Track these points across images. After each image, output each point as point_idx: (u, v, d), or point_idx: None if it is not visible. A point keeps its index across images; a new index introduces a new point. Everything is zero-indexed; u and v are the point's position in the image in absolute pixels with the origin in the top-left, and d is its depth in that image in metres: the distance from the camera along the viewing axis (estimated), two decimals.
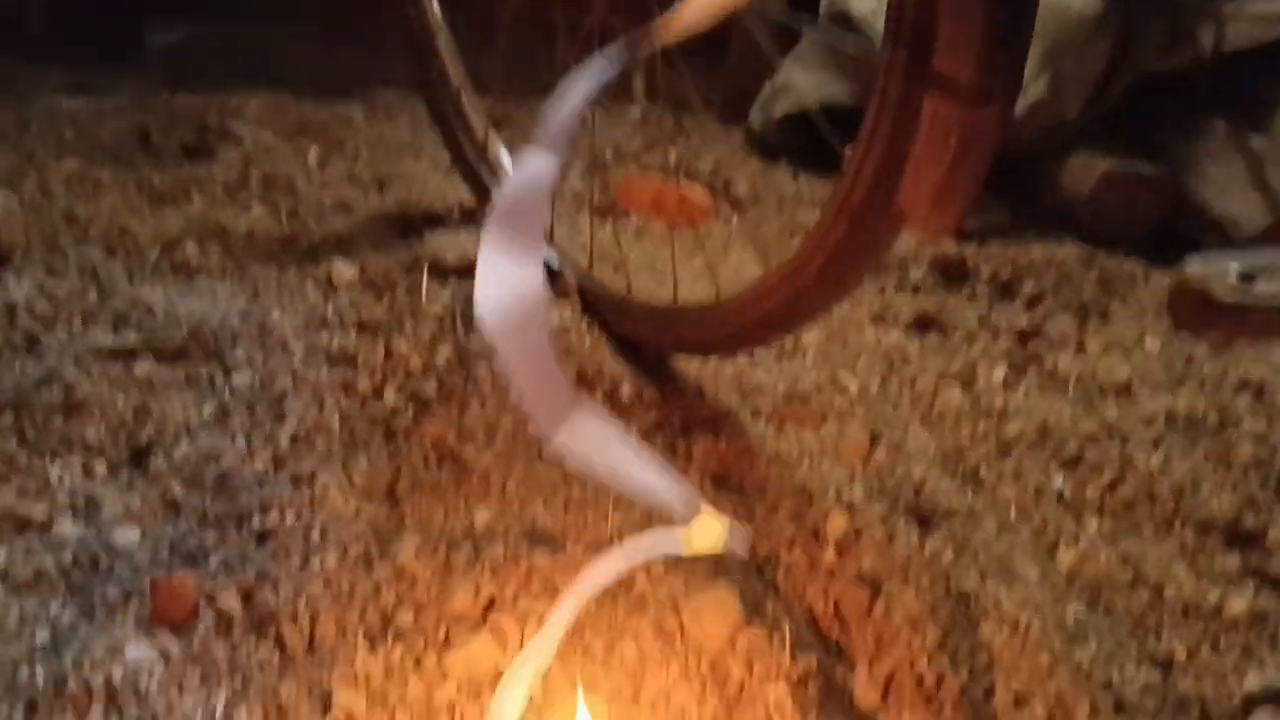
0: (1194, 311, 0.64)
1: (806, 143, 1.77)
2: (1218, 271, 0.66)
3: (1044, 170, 1.65)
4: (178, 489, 0.98)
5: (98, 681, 0.79)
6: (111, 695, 0.79)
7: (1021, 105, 1.56)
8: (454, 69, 1.43)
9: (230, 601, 0.86)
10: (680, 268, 1.25)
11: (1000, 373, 1.27)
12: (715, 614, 0.89)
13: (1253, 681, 0.87)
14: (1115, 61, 1.65)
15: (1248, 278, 0.70)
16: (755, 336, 1.10)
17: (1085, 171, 1.60)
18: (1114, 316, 1.42)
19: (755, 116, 1.85)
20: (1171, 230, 1.60)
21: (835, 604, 0.94)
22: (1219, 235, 1.53)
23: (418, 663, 0.84)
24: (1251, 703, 0.85)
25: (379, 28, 2.05)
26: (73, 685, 0.79)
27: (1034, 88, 1.60)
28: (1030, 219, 1.64)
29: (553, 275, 1.28)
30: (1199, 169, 1.59)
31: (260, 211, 1.48)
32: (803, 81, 1.77)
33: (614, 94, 1.51)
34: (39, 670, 0.80)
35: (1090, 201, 1.58)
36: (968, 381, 1.26)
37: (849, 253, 0.93)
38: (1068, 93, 1.62)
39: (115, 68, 1.92)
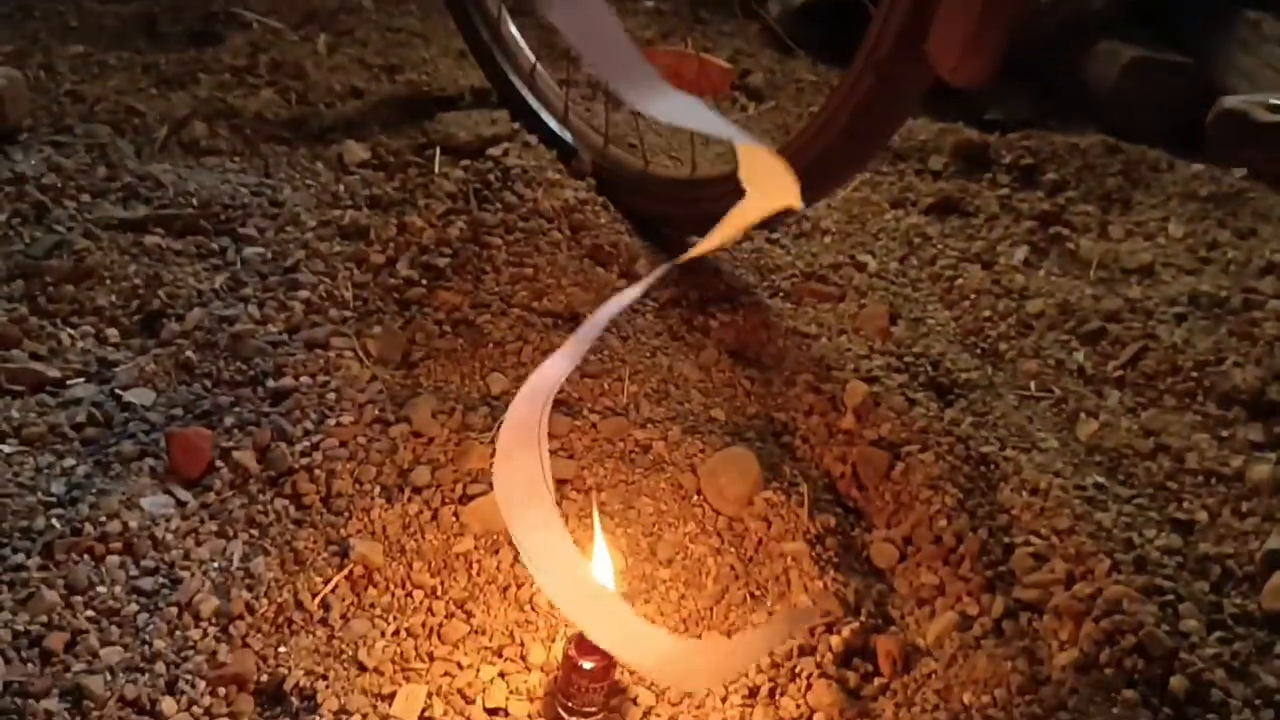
0: (1233, 134, 0.62)
1: (826, 33, 1.72)
2: (1256, 100, 0.64)
3: (1069, 59, 1.61)
4: (191, 353, 0.97)
5: (114, 529, 0.79)
6: (128, 543, 0.79)
7: None
8: None
9: (246, 457, 0.86)
10: (698, 142, 1.23)
11: (1021, 253, 1.25)
12: (733, 474, 0.88)
13: (1274, 542, 0.86)
14: None
15: None
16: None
17: (1111, 60, 1.56)
18: (1137, 204, 1.39)
19: (774, 4, 1.81)
20: (1198, 121, 1.56)
21: (853, 467, 0.93)
22: (1245, 121, 1.50)
23: (434, 516, 0.84)
24: (1272, 562, 0.85)
25: None
26: (89, 532, 0.79)
27: None
28: (1053, 109, 1.60)
29: (569, 155, 1.26)
30: (1228, 58, 1.55)
31: (269, 95, 1.46)
32: None
33: None
34: (54, 519, 0.80)
35: (1115, 90, 1.55)
36: (988, 262, 1.24)
37: (877, 106, 0.91)
38: None
39: None
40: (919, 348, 1.08)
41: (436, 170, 1.25)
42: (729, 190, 1.09)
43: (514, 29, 1.38)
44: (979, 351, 1.11)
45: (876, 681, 0.76)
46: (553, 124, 1.31)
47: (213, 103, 1.41)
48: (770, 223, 0.75)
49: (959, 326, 1.14)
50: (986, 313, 1.15)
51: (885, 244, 1.27)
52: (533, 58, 1.37)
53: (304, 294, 1.04)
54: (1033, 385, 1.06)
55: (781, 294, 1.16)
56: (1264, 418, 1.01)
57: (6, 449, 0.85)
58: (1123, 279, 1.22)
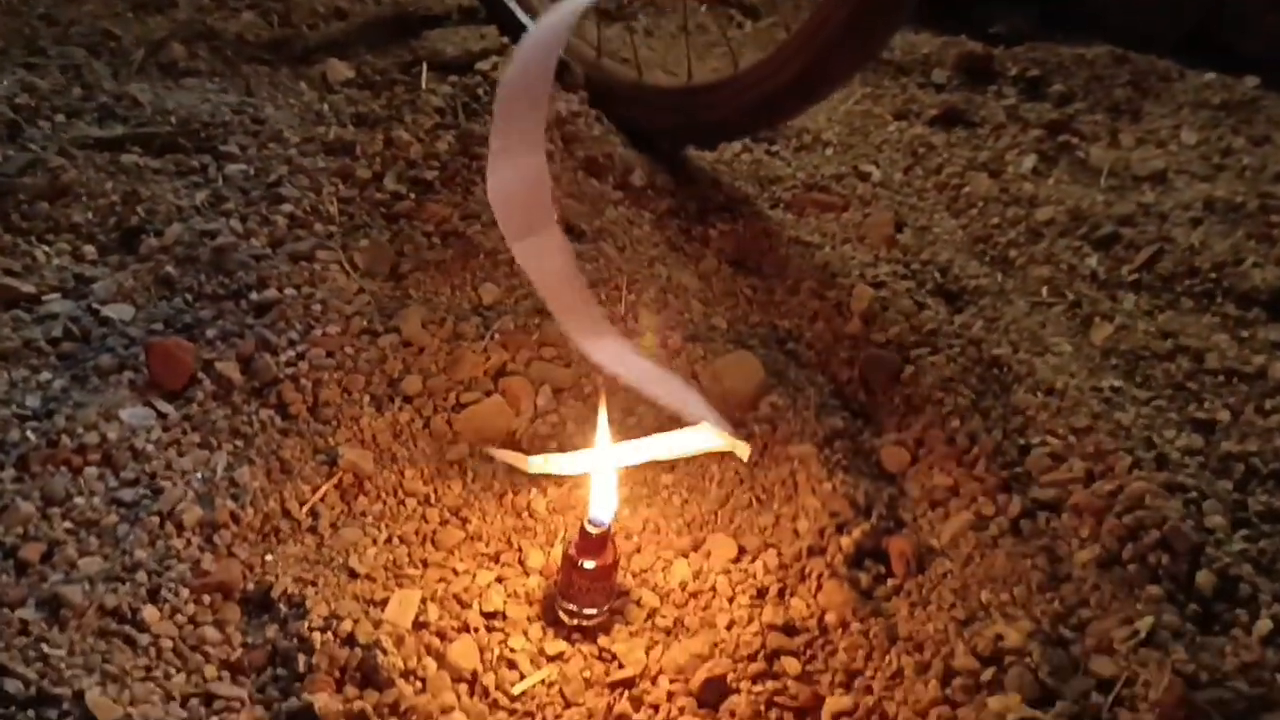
0: None
1: None
2: None
3: None
4: (171, 268, 0.93)
5: (91, 441, 0.76)
6: (106, 455, 0.76)
7: None
8: None
9: (229, 368, 0.83)
10: (694, 53, 1.18)
11: (1030, 162, 1.21)
12: (737, 376, 0.85)
13: None
14: None
15: None
16: (776, 110, 1.04)
17: None
18: (1147, 114, 1.35)
19: None
20: (1209, 33, 1.51)
21: (860, 372, 0.90)
22: (1261, 41, 1.45)
23: (427, 424, 0.81)
24: None
25: None
26: (66, 444, 0.75)
27: None
28: (1058, 22, 1.55)
29: (561, 68, 1.21)
30: None
31: (250, 17, 1.41)
32: None
33: None
34: (29, 431, 0.76)
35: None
36: (996, 171, 1.19)
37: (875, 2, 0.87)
38: None
39: None
40: (926, 255, 1.05)
41: (424, 86, 1.21)
42: (724, 97, 1.06)
43: None
44: (988, 259, 1.07)
45: (890, 582, 0.73)
46: None
47: (192, 25, 1.36)
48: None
49: (967, 234, 1.10)
50: (995, 220, 1.11)
51: (889, 155, 1.22)
52: None
53: (288, 208, 1.00)
54: (1044, 291, 1.02)
55: (782, 205, 1.12)
56: None
57: None
58: (1134, 186, 1.18)
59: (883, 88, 1.37)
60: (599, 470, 0.69)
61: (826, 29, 0.94)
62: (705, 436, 0.71)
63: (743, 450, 0.72)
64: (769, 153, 1.19)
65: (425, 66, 1.25)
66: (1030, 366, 0.90)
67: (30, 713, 0.59)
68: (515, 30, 1.30)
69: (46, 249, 0.95)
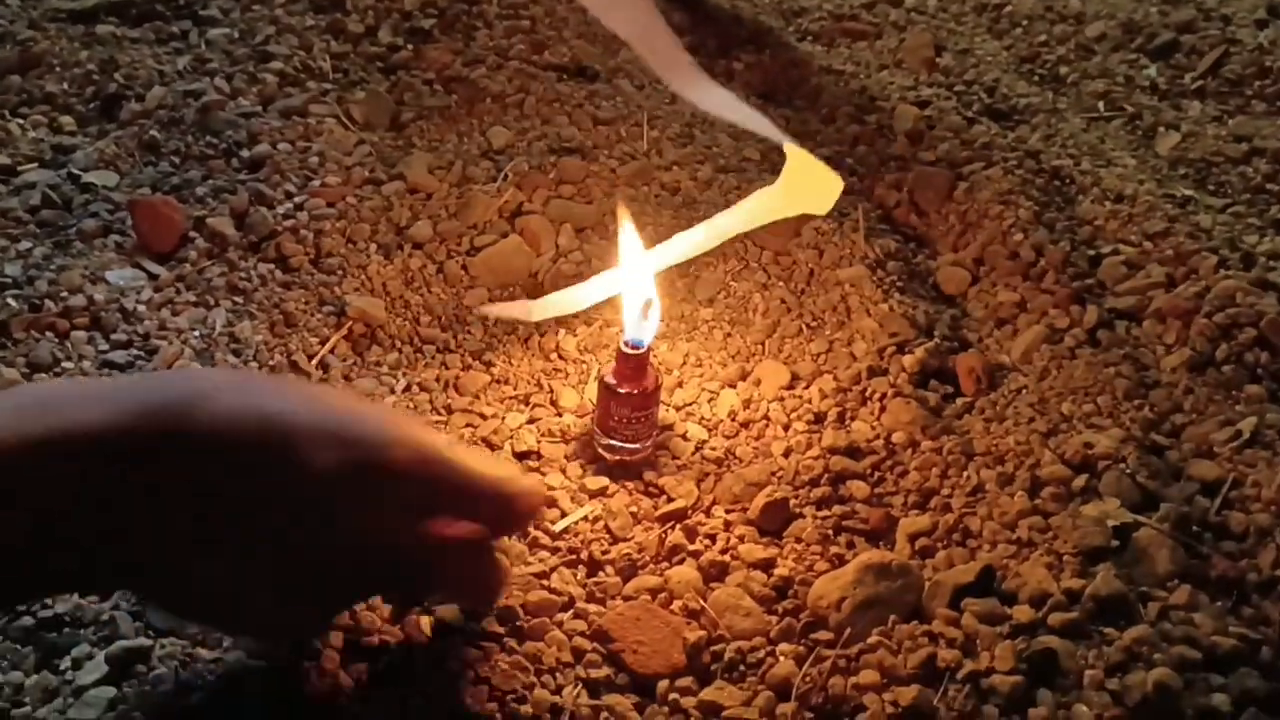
0: None
1: None
2: None
3: None
4: (155, 131, 0.86)
5: (77, 304, 0.70)
6: (94, 318, 0.70)
7: None
8: None
9: (222, 224, 0.76)
10: None
11: None
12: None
13: None
14: None
15: None
16: None
17: None
18: None
19: None
20: None
21: (910, 194, 0.82)
22: None
23: (440, 270, 0.74)
24: None
25: None
26: (50, 308, 0.69)
27: None
28: None
29: None
30: None
31: None
32: None
33: None
34: (10, 298, 0.70)
35: None
36: None
37: None
38: None
39: None
40: (970, 75, 0.97)
41: None
42: None
43: None
44: (1037, 78, 0.99)
45: (959, 400, 0.66)
46: None
47: None
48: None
49: (1012, 55, 1.01)
50: (1041, 38, 1.03)
51: None
52: None
53: (277, 66, 0.92)
54: (1101, 106, 0.94)
55: (810, 36, 1.04)
56: None
57: None
58: None
59: None
60: (631, 281, 0.62)
61: None
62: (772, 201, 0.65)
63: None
64: None
65: None
66: (1095, 176, 0.82)
67: None
68: None
69: (20, 122, 0.88)
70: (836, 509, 0.58)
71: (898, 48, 1.00)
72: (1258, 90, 0.93)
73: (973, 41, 1.03)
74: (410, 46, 0.96)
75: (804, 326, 0.71)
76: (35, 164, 0.84)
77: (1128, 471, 0.58)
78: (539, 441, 0.63)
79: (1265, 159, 0.85)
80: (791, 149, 0.68)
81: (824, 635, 0.51)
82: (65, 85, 0.92)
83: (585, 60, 0.95)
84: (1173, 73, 0.97)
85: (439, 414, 0.65)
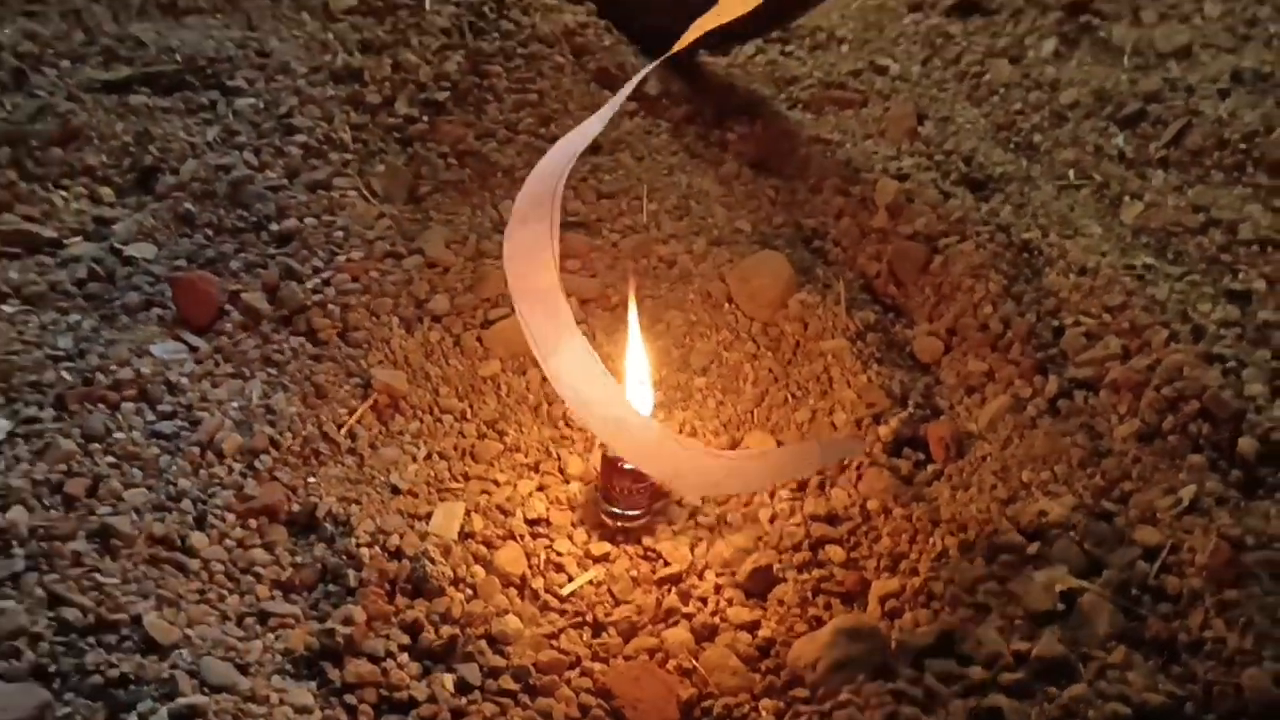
0: None
1: None
2: None
3: None
4: (189, 204, 0.93)
5: (126, 377, 0.76)
6: (142, 390, 0.76)
7: None
8: None
9: (256, 298, 0.83)
10: None
11: (1050, 45, 1.18)
12: (764, 277, 0.84)
13: None
14: None
15: None
16: (785, 12, 1.02)
17: None
18: None
19: None
20: None
21: (889, 265, 0.89)
22: None
23: (457, 342, 0.81)
24: None
25: None
26: (101, 381, 0.76)
27: None
28: None
29: None
30: None
31: None
32: None
33: None
34: (64, 371, 0.77)
35: None
36: (1016, 57, 1.17)
37: None
38: None
39: None
40: (949, 145, 1.03)
41: (428, 8, 1.19)
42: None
43: None
44: (1012, 145, 1.06)
45: (929, 468, 0.73)
46: None
47: None
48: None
49: (989, 122, 1.08)
50: (1017, 106, 1.10)
51: (906, 47, 1.20)
52: None
53: (301, 138, 0.99)
54: (1071, 174, 1.01)
55: (800, 105, 1.11)
56: None
57: (9, 309, 0.82)
58: (1159, 63, 1.16)
59: None
60: (633, 370, 0.69)
61: None
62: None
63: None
64: (784, 53, 1.17)
65: None
66: (1061, 249, 0.89)
67: (90, 639, 0.60)
68: None
69: (63, 194, 0.95)
70: (816, 572, 0.65)
71: (882, 117, 1.07)
72: (1216, 161, 0.99)
73: (953, 109, 1.09)
74: (425, 119, 1.02)
75: (789, 396, 0.78)
76: (79, 237, 0.91)
77: (1076, 539, 0.65)
78: (548, 509, 0.69)
79: (1220, 229, 0.92)
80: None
81: (801, 692, 0.58)
82: (104, 157, 0.99)
83: None
84: (1139, 142, 1.03)
85: (457, 480, 0.72)
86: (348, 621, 0.61)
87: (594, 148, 1.01)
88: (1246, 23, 1.22)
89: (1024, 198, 0.96)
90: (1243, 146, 0.99)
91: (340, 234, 0.88)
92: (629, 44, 1.13)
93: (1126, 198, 0.97)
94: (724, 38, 1.11)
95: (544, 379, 0.78)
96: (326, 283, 0.84)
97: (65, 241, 0.90)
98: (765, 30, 1.04)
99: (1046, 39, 1.20)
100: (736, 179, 1.00)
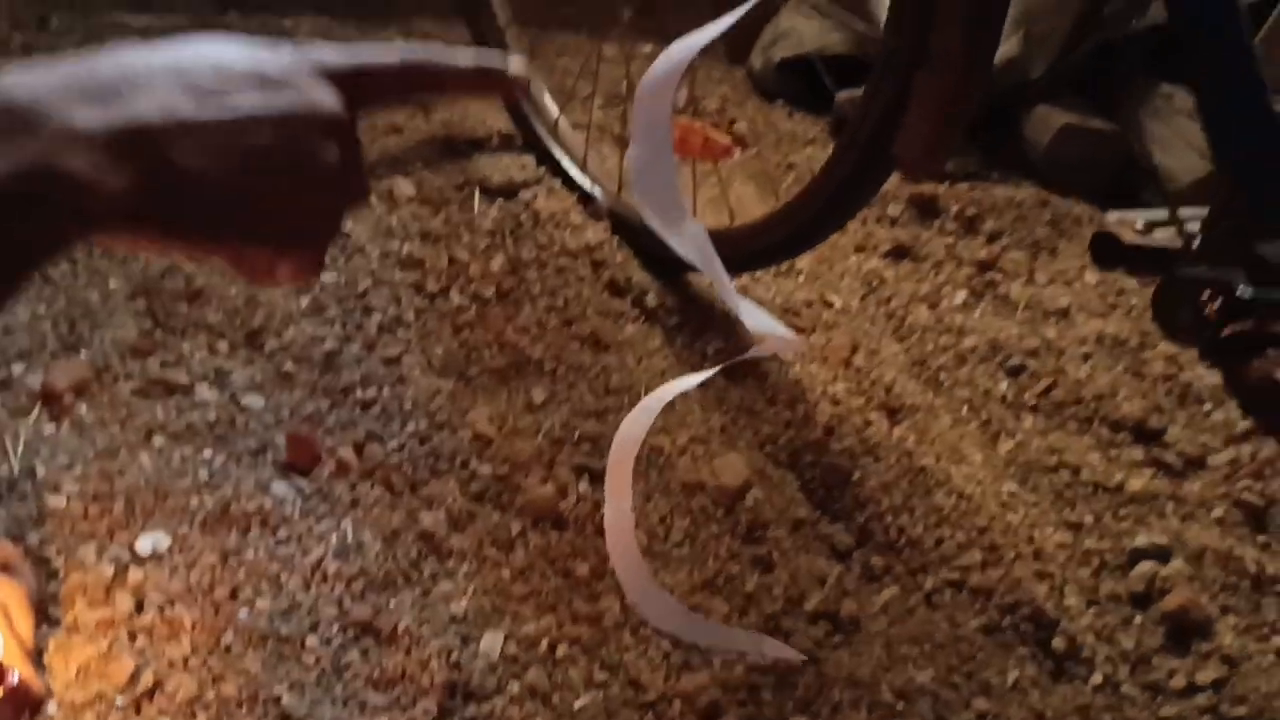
0: (1107, 252, 0.87)
1: (803, 85, 1.97)
2: (1128, 220, 0.89)
3: (1010, 120, 1.87)
4: (290, 365, 1.20)
5: (253, 508, 1.02)
6: (264, 519, 1.02)
7: (995, 61, 1.77)
8: (500, 11, 1.62)
9: (347, 454, 1.09)
10: (698, 196, 1.47)
11: (961, 296, 1.51)
12: (728, 473, 1.13)
13: (1140, 540, 1.12)
14: (1082, 26, 1.86)
15: (1151, 228, 0.93)
16: (765, 258, 1.33)
17: (1046, 124, 1.82)
18: (1062, 252, 1.65)
19: (756, 59, 2.05)
20: (1120, 179, 1.83)
21: (821, 474, 1.18)
22: (1159, 185, 1.76)
23: (497, 499, 1.08)
24: (1137, 556, 1.11)
25: None
26: (234, 510, 1.02)
27: (1006, 46, 1.81)
28: (996, 163, 1.85)
29: (588, 199, 1.50)
30: (1145, 126, 1.81)
31: None
32: (803, 28, 1.96)
33: (624, 31, 1.69)
34: (206, 499, 1.02)
35: (1049, 151, 1.80)
36: (933, 303, 1.49)
37: (848, 192, 1.16)
38: (1036, 53, 1.83)
39: None
40: (875, 375, 1.34)
41: (476, 209, 1.48)
42: (720, 244, 1.34)
43: (542, 87, 1.61)
44: (923, 380, 1.36)
45: (837, 638, 1.01)
46: (573, 171, 1.54)
47: None
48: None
49: (908, 358, 1.39)
50: (930, 347, 1.41)
51: (849, 284, 1.51)
52: (556, 111, 1.60)
53: (376, 317, 1.27)
54: (964, 410, 1.32)
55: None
56: (1145, 441, 1.27)
57: (157, 442, 1.08)
58: (1044, 320, 1.48)
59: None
60: None
61: (812, 204, 1.22)
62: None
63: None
64: (754, 278, 1.47)
65: (477, 190, 1.52)
66: (947, 474, 1.19)
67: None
68: (550, 161, 1.57)
69: (189, 344, 1.21)
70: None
71: (825, 345, 1.37)
72: (1072, 414, 1.31)
73: (880, 343, 1.40)
74: (474, 309, 1.31)
75: (741, 570, 1.06)
76: (205, 383, 1.17)
77: (933, 704, 0.93)
78: None
79: (1068, 471, 1.23)
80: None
81: None
82: (221, 316, 1.25)
83: (601, 334, 1.31)
84: (1018, 389, 1.35)
85: (497, 611, 0.98)
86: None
87: (604, 346, 1.30)
88: (1116, 291, 1.55)
89: (926, 426, 1.26)
90: (1093, 405, 1.31)
91: (409, 405, 1.16)
92: (635, 259, 1.43)
93: (1003, 435, 1.28)
94: (747, 261, 1.39)
95: (555, 538, 1.05)
96: (401, 447, 1.11)
97: (195, 386, 1.16)
98: (787, 255, 1.34)
99: (959, 290, 1.52)
100: (713, 384, 1.29)
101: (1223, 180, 0.79)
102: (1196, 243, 0.79)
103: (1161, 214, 0.97)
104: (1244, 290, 0.65)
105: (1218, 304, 0.67)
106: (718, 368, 0.99)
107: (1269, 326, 0.67)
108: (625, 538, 0.89)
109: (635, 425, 0.88)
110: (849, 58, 1.91)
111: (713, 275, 0.92)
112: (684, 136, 1.43)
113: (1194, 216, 0.87)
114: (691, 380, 0.91)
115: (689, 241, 0.89)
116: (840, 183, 1.15)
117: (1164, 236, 0.89)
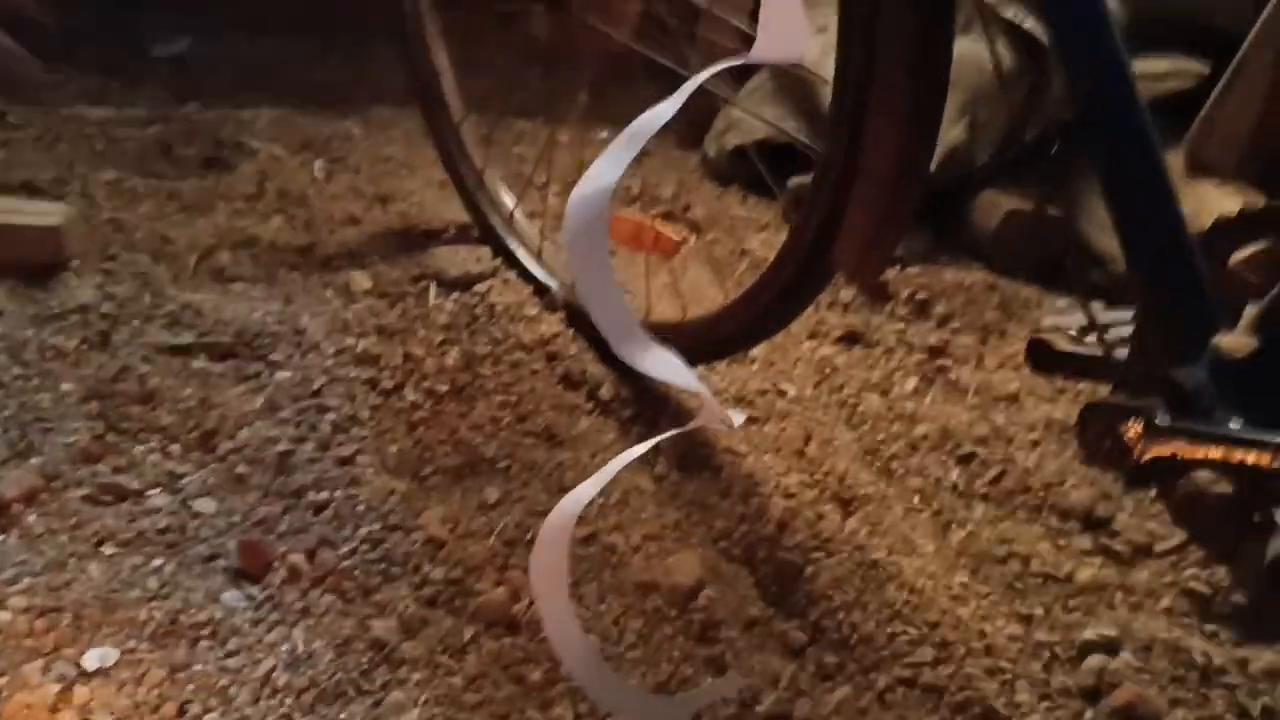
0: (1042, 357, 0.89)
1: (755, 171, 2.01)
2: (1063, 327, 0.91)
3: (958, 205, 1.91)
4: (243, 467, 1.20)
5: (203, 618, 1.02)
6: (214, 630, 1.01)
7: (940, 149, 1.81)
8: (455, 104, 1.65)
9: (298, 559, 1.09)
10: (651, 290, 1.49)
11: (912, 383, 1.53)
12: (681, 571, 1.14)
13: (1090, 633, 1.13)
14: (1025, 112, 1.92)
15: (1085, 332, 0.96)
16: (718, 350, 1.35)
17: (992, 209, 1.86)
18: (1010, 336, 1.68)
19: (709, 146, 2.09)
20: (1063, 262, 1.87)
21: (774, 571, 1.19)
22: (1102, 268, 1.80)
23: (449, 603, 1.08)
24: (1087, 649, 1.12)
25: (366, 40, 2.26)
26: (184, 621, 1.01)
27: (952, 133, 1.86)
28: (945, 247, 1.89)
29: (543, 291, 1.51)
30: (1087, 209, 1.86)
31: (279, 222, 1.69)
32: (753, 118, 2.01)
33: (576, 117, 1.72)
34: (155, 611, 1.02)
35: (996, 235, 1.84)
36: (885, 390, 1.51)
37: (791, 294, 1.18)
38: (981, 139, 1.88)
39: (127, 78, 2.10)
40: (828, 465, 1.35)
41: (431, 302, 1.50)
42: (675, 337, 1.36)
43: (497, 180, 1.64)
44: (875, 468, 1.38)
45: None
46: (529, 263, 1.56)
47: (232, 231, 1.63)
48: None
49: (860, 446, 1.41)
50: (882, 436, 1.42)
51: (802, 372, 1.53)
52: (511, 203, 1.62)
53: (330, 416, 1.27)
54: (916, 499, 1.33)
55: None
56: (1093, 529, 1.29)
57: (107, 551, 1.07)
58: (993, 405, 1.51)
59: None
60: None
61: (764, 296, 1.24)
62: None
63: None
64: (709, 368, 1.49)
65: (434, 284, 1.53)
66: (899, 567, 1.20)
67: None
68: (505, 253, 1.59)
69: (141, 448, 1.21)
70: None
71: (779, 435, 1.39)
72: (1022, 502, 1.33)
73: (833, 432, 1.42)
74: (428, 406, 1.31)
75: (693, 671, 1.06)
76: (157, 489, 1.17)
77: None
78: None
79: (1018, 561, 1.24)
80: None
81: None
82: (174, 418, 1.25)
83: (555, 428, 1.32)
84: (969, 477, 1.37)
85: None
86: None
87: (559, 442, 1.31)
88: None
89: (878, 517, 1.28)
90: (1041, 493, 1.33)
91: (362, 507, 1.16)
92: (590, 350, 1.45)
93: (954, 525, 1.29)
94: (700, 354, 1.41)
95: (509, 647, 1.05)
96: (353, 551, 1.11)
97: (146, 493, 1.16)
98: (739, 349, 1.36)
99: (910, 376, 1.54)
100: (667, 479, 1.30)
101: (1134, 280, 0.81)
102: (1123, 352, 0.82)
103: (1102, 312, 0.99)
104: (1162, 419, 0.67)
105: (1139, 430, 0.69)
106: (651, 441, 1.00)
107: (1190, 453, 0.69)
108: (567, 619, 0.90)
109: (572, 505, 0.89)
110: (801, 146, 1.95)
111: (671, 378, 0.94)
112: (635, 233, 1.45)
113: (1119, 320, 0.90)
114: (630, 454, 0.93)
115: (645, 360, 0.92)
116: (782, 289, 1.18)
117: (1095, 344, 0.92)
